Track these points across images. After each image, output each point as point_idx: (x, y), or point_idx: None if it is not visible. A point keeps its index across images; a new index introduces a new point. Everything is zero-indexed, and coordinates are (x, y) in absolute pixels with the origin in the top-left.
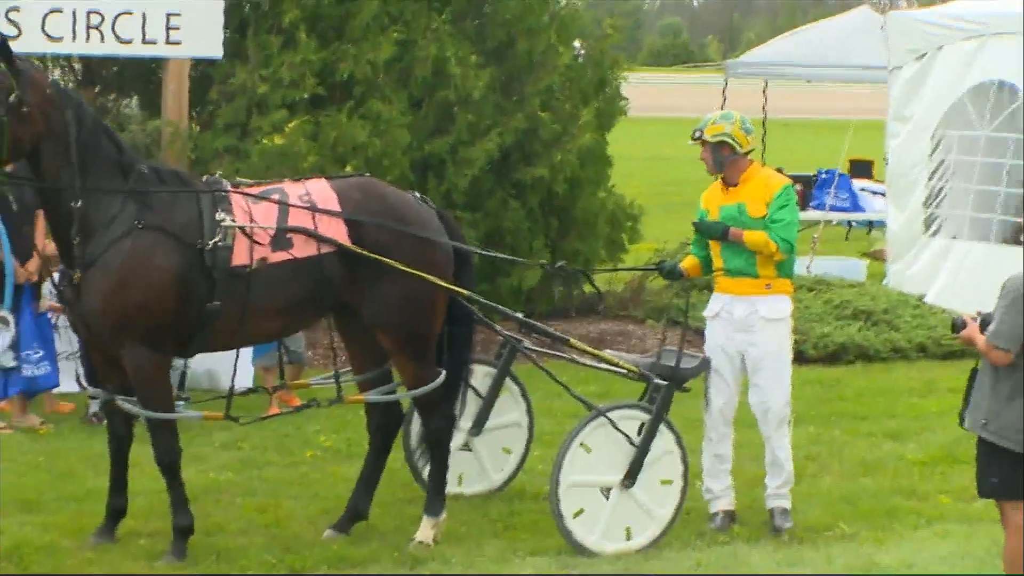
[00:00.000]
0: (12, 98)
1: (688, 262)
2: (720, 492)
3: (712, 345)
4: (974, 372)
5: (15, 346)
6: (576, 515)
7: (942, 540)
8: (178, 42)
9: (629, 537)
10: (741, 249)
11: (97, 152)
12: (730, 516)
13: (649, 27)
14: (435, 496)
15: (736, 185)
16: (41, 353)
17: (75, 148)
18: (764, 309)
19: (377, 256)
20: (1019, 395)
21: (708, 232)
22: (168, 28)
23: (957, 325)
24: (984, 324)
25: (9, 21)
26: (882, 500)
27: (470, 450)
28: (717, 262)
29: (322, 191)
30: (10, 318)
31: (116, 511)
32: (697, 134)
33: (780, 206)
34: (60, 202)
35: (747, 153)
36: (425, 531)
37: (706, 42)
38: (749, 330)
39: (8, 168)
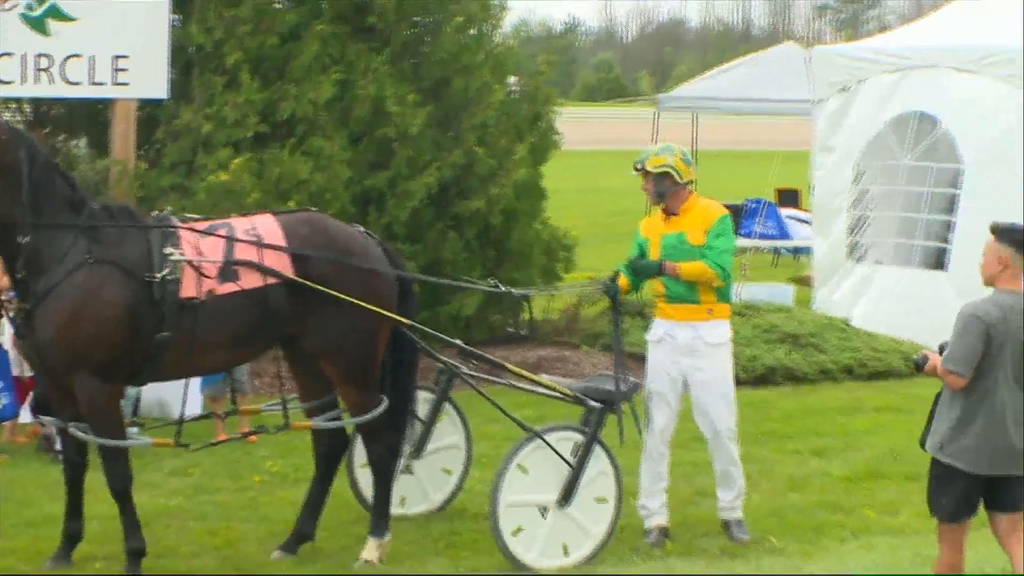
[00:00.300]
0: None
1: (621, 280)
2: (656, 509)
3: (655, 368)
4: (938, 396)
5: None
6: (515, 533)
7: (868, 552)
8: (125, 84)
9: (566, 554)
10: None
11: (49, 190)
12: (664, 532)
13: (582, 62)
14: (380, 518)
15: (677, 215)
16: (1, 385)
17: (27, 186)
18: (707, 335)
19: (321, 288)
20: (973, 419)
21: (645, 273)
22: (115, 70)
23: (919, 363)
24: (943, 351)
25: None
26: (809, 515)
27: (411, 473)
28: (659, 287)
29: (268, 225)
30: None
31: (72, 536)
32: (639, 166)
33: (717, 234)
34: (12, 237)
35: (687, 183)
36: (371, 551)
37: (638, 76)
38: (693, 355)
39: None
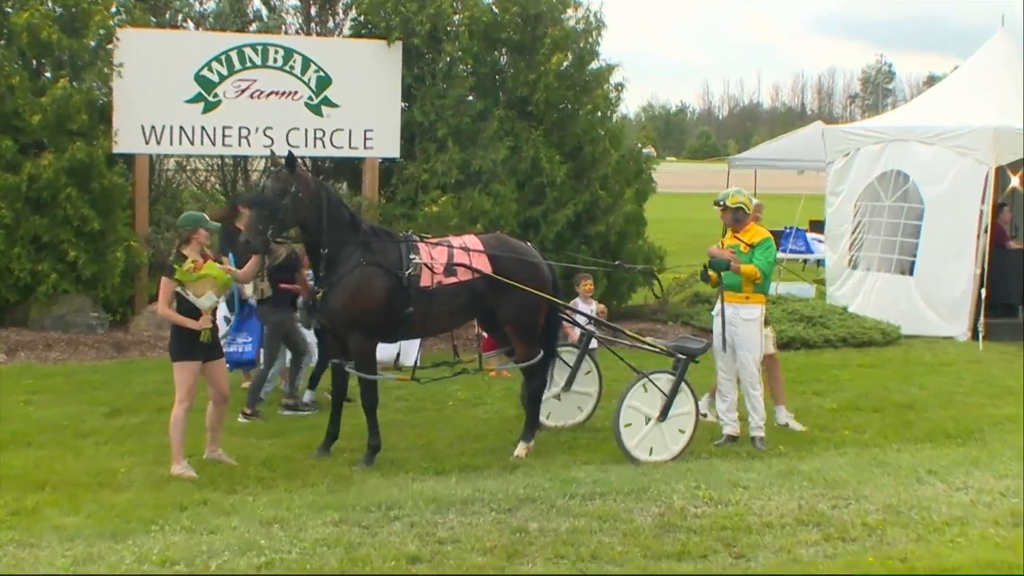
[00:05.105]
0: (292, 189)
1: (711, 274)
2: (728, 421)
3: (715, 331)
4: None
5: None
6: (636, 445)
7: (841, 456)
8: (371, 148)
9: (650, 454)
10: (733, 274)
11: (339, 218)
12: (732, 439)
13: (690, 133)
14: (528, 429)
15: (739, 232)
16: (250, 340)
17: (326, 216)
18: (743, 312)
19: (506, 280)
20: None
21: (716, 266)
22: (365, 139)
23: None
24: None
25: (266, 136)
26: (807, 432)
27: (559, 400)
28: (715, 279)
29: (473, 241)
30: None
31: (332, 435)
32: (721, 202)
33: (760, 249)
34: (317, 249)
35: (749, 214)
36: (521, 450)
37: (727, 143)
38: (733, 324)
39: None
